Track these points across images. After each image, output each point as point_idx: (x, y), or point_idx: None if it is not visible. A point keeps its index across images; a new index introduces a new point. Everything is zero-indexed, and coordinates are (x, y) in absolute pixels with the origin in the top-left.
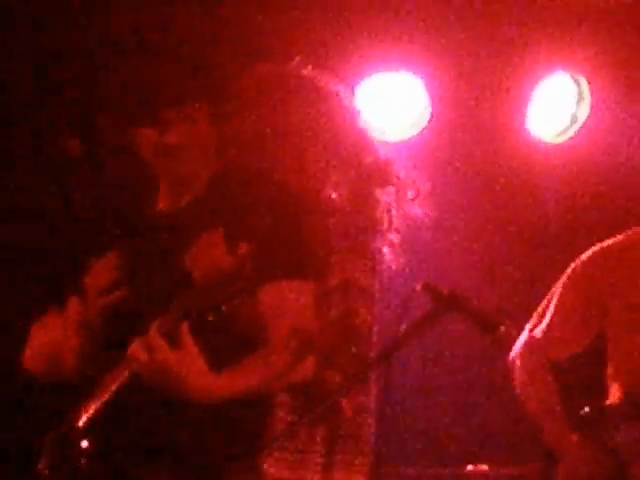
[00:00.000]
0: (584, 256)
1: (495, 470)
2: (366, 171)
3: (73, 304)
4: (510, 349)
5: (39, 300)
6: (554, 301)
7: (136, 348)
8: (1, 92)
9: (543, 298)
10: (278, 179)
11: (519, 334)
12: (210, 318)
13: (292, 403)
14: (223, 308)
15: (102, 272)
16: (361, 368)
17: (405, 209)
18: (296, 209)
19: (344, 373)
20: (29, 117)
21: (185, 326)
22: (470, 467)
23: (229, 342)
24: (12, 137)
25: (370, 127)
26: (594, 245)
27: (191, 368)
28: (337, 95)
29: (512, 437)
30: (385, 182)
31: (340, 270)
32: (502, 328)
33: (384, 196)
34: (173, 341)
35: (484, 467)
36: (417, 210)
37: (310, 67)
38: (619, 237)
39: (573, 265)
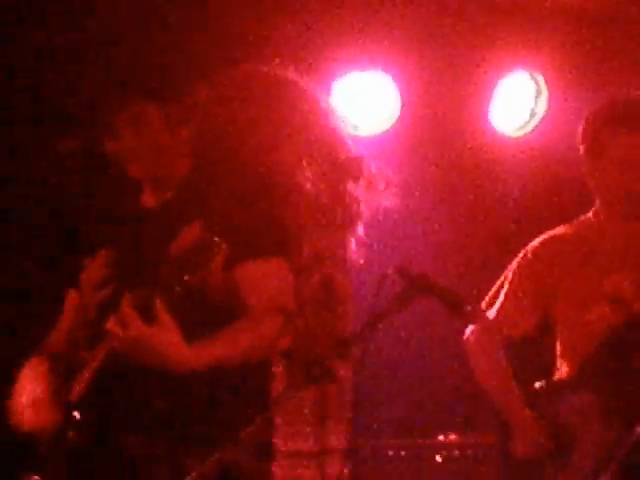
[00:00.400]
0: (534, 243)
1: (463, 439)
2: (341, 166)
3: (72, 297)
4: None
5: (39, 295)
6: (506, 284)
7: (111, 324)
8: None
9: (496, 280)
10: (252, 171)
11: (483, 313)
12: (177, 289)
13: (287, 373)
14: (186, 278)
15: (94, 269)
16: (340, 343)
17: (376, 201)
18: (269, 197)
19: (325, 345)
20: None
21: (159, 301)
22: (441, 437)
23: (202, 314)
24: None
25: (344, 124)
26: (545, 232)
27: (166, 341)
28: (312, 93)
29: (479, 407)
30: (358, 176)
31: (314, 245)
32: (468, 307)
33: (356, 189)
34: (148, 316)
35: (452, 436)
36: (387, 201)
37: (286, 66)
38: (566, 226)
39: (524, 251)
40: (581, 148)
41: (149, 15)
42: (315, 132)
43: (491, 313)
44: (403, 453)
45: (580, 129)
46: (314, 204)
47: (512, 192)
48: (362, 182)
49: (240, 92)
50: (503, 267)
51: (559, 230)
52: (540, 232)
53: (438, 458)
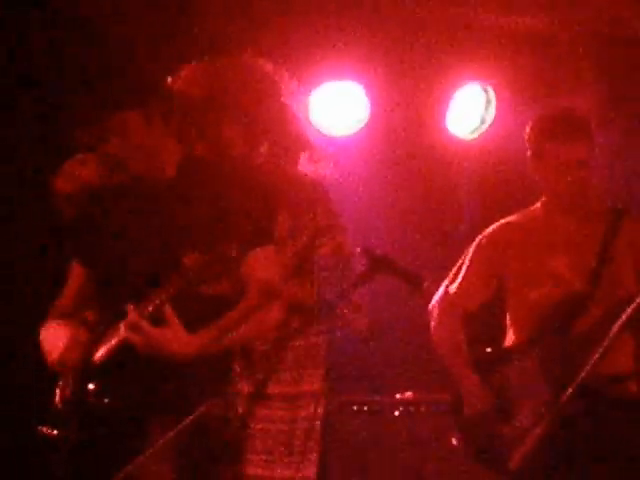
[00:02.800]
0: (488, 230)
1: (419, 396)
2: (296, 143)
3: (76, 269)
4: (431, 299)
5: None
6: (465, 265)
7: (126, 324)
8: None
9: (456, 263)
10: (240, 169)
11: (437, 288)
12: (190, 299)
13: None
14: (200, 290)
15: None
16: (313, 314)
17: (316, 170)
18: (251, 189)
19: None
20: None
21: (169, 307)
22: (398, 395)
23: (207, 308)
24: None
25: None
26: (497, 221)
27: (174, 340)
28: (283, 85)
29: (433, 369)
30: (304, 147)
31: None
32: (425, 284)
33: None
34: (158, 320)
35: (409, 394)
36: (324, 171)
37: (262, 60)
38: (515, 215)
39: (480, 237)
40: (528, 151)
41: (133, 14)
42: (290, 126)
43: (452, 288)
44: (366, 408)
45: (526, 135)
46: (288, 190)
47: (465, 184)
48: (306, 153)
49: (217, 84)
50: (453, 251)
51: (509, 219)
52: (486, 221)
53: (396, 413)
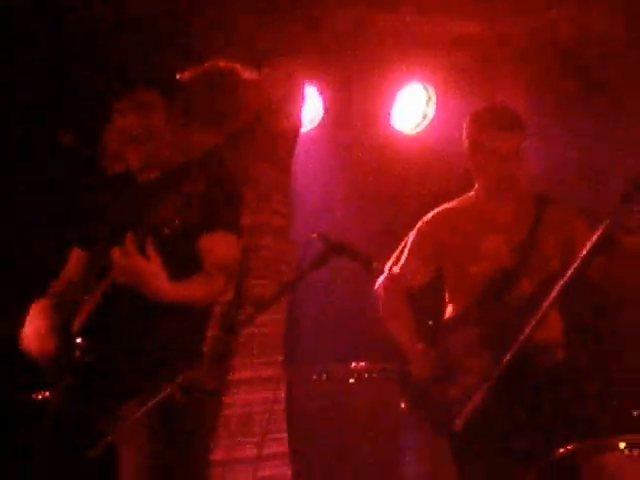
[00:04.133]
0: (428, 215)
1: (371, 365)
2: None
3: (76, 254)
4: (379, 277)
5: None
6: (407, 247)
7: (116, 254)
8: None
9: (398, 245)
10: (217, 163)
11: (386, 269)
12: (166, 231)
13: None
14: (177, 222)
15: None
16: (275, 291)
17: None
18: (227, 182)
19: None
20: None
21: (150, 240)
22: (353, 364)
23: (181, 259)
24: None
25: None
26: (437, 207)
27: (154, 273)
28: (244, 79)
29: (383, 340)
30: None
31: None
32: (374, 264)
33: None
34: (142, 252)
35: (363, 364)
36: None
37: (237, 64)
38: (453, 201)
39: (420, 222)
40: (465, 143)
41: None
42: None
43: (396, 269)
44: (325, 376)
45: (464, 129)
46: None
47: (409, 173)
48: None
49: (200, 84)
50: (397, 234)
51: (447, 205)
52: (427, 208)
53: (351, 380)
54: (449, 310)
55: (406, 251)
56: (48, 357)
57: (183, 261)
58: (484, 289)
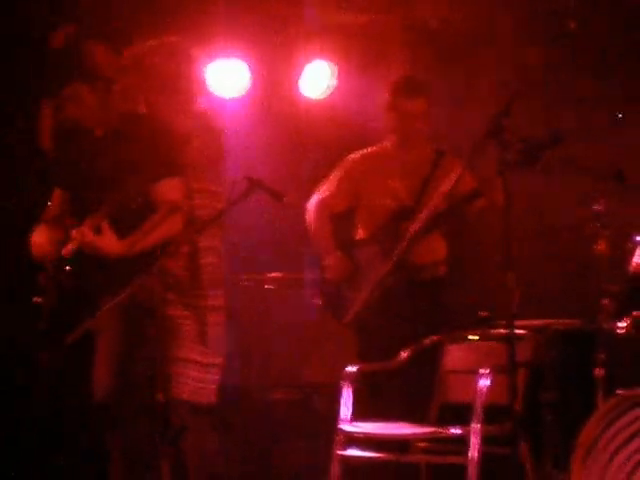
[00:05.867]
0: (352, 155)
1: (286, 275)
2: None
3: (57, 193)
4: (290, 210)
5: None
6: (333, 180)
7: (75, 232)
8: None
9: (303, 184)
10: (156, 124)
11: (300, 202)
12: (133, 206)
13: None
14: (139, 199)
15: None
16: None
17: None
18: (165, 137)
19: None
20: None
21: (105, 222)
22: (273, 274)
23: (133, 218)
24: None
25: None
26: (334, 155)
27: (106, 245)
28: (188, 55)
29: (306, 253)
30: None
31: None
32: (285, 198)
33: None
34: (98, 230)
35: (278, 274)
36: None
37: (179, 39)
38: (370, 148)
39: (345, 159)
40: (383, 105)
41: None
42: (191, 91)
43: (323, 195)
44: (247, 282)
45: (384, 94)
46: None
47: (313, 130)
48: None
49: (146, 60)
50: (319, 175)
51: (367, 150)
52: (329, 153)
53: (269, 286)
54: (359, 233)
55: (333, 181)
56: (46, 257)
57: (136, 217)
58: (385, 220)
